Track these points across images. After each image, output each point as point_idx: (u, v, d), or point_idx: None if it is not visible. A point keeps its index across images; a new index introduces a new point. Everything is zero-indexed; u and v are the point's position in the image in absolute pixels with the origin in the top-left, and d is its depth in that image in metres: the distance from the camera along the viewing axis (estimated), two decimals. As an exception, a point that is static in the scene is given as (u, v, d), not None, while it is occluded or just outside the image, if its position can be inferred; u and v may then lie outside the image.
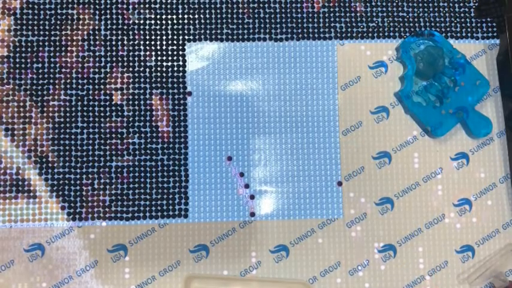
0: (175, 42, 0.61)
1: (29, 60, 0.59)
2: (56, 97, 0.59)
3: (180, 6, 0.61)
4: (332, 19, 0.62)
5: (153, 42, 0.60)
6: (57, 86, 0.59)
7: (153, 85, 0.60)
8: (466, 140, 0.61)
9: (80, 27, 0.60)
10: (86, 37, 0.60)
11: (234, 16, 0.61)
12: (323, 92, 0.61)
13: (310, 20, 0.62)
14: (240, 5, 0.62)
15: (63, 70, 0.59)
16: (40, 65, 0.59)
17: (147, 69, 0.60)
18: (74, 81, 0.59)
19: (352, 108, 0.61)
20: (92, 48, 0.60)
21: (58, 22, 0.60)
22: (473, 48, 0.63)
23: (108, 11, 0.60)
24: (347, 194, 0.60)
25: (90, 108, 0.59)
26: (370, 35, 0.62)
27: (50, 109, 0.59)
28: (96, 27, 0.60)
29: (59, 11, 0.60)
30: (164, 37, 0.61)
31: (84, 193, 0.58)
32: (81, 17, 0.60)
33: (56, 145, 0.58)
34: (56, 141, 0.58)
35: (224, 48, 0.61)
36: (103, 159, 0.58)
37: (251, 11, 0.62)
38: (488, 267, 0.59)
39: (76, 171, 0.58)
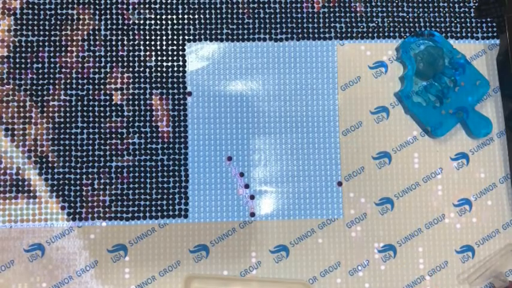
0: (175, 42, 0.61)
1: (29, 60, 0.59)
2: (56, 97, 0.59)
3: (180, 6, 0.61)
4: (332, 19, 0.62)
5: (153, 42, 0.60)
6: (57, 86, 0.59)
7: (153, 85, 0.60)
8: (466, 140, 0.61)
9: (80, 27, 0.60)
10: (86, 37, 0.60)
11: (234, 16, 0.61)
12: (323, 92, 0.61)
13: (310, 20, 0.62)
14: (240, 5, 0.62)
15: (63, 70, 0.59)
16: (40, 65, 0.59)
17: (147, 69, 0.60)
18: (74, 81, 0.59)
19: (352, 108, 0.61)
20: (92, 48, 0.60)
21: (58, 22, 0.60)
22: (473, 48, 0.63)
23: (108, 11, 0.60)
24: (347, 194, 0.60)
25: (90, 108, 0.59)
26: (370, 35, 0.62)
27: (50, 109, 0.59)
28: (96, 27, 0.60)
29: (59, 11, 0.60)
30: (164, 37, 0.61)
31: (84, 193, 0.58)
32: (81, 17, 0.60)
33: (56, 145, 0.58)
34: (56, 141, 0.58)
35: (224, 48, 0.61)
36: (103, 159, 0.58)
37: (251, 11, 0.62)
38: (488, 267, 0.59)
39: (76, 171, 0.58)
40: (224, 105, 0.60)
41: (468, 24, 0.63)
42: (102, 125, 0.59)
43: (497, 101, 0.62)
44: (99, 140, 0.59)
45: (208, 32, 0.61)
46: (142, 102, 0.59)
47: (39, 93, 0.59)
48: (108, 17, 0.60)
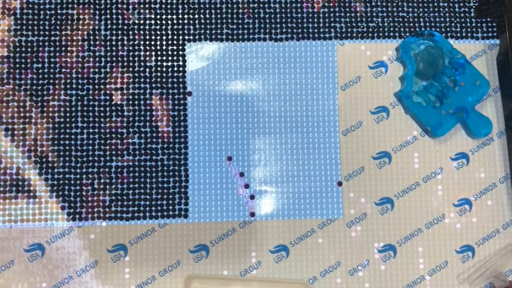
0: (175, 42, 0.61)
1: (29, 60, 0.59)
2: (56, 97, 0.59)
3: (180, 6, 0.61)
4: (332, 19, 0.62)
5: (153, 42, 0.60)
6: (57, 86, 0.59)
7: (153, 85, 0.60)
8: (466, 140, 0.61)
9: (80, 27, 0.60)
10: (86, 37, 0.60)
11: (234, 16, 0.61)
12: (323, 92, 0.61)
13: (310, 20, 0.62)
14: (240, 5, 0.62)
15: (63, 70, 0.59)
16: (40, 65, 0.59)
17: (147, 69, 0.60)
18: (74, 81, 0.59)
19: (352, 108, 0.61)
20: (92, 48, 0.60)
21: (58, 22, 0.60)
22: (473, 48, 0.63)
23: (108, 11, 0.60)
24: (347, 194, 0.60)
25: (90, 108, 0.59)
26: (370, 35, 0.62)
27: (50, 109, 0.59)
28: (96, 27, 0.60)
29: (59, 11, 0.60)
30: (164, 37, 0.61)
31: (84, 193, 0.58)
32: (81, 17, 0.60)
33: (56, 145, 0.58)
34: (56, 141, 0.58)
35: (224, 48, 0.61)
36: (103, 159, 0.58)
37: (251, 11, 0.62)
38: (488, 267, 0.59)
39: (76, 171, 0.58)
40: (224, 105, 0.60)
41: (468, 24, 0.63)
42: (102, 125, 0.59)
43: (497, 101, 0.62)
44: (99, 140, 0.59)
45: (208, 32, 0.61)
46: (142, 102, 0.59)
47: (39, 93, 0.59)
48: (108, 17, 0.60)
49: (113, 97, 0.59)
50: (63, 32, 0.60)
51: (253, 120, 0.60)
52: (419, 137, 0.61)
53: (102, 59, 0.60)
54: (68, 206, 0.58)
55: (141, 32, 0.60)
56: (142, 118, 0.59)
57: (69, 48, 0.60)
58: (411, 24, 0.63)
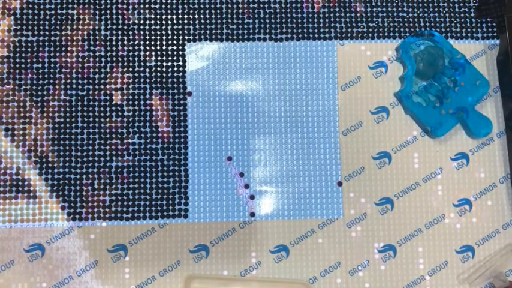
0: (175, 42, 0.61)
1: (29, 60, 0.59)
2: (56, 97, 0.59)
3: (180, 6, 0.61)
4: (332, 19, 0.62)
5: (153, 42, 0.60)
6: (57, 86, 0.59)
7: (153, 85, 0.60)
8: (466, 140, 0.61)
9: (80, 27, 0.60)
10: (86, 37, 0.60)
11: (234, 16, 0.61)
12: (323, 92, 0.61)
13: (310, 20, 0.62)
14: (240, 5, 0.62)
15: (63, 70, 0.59)
16: (40, 65, 0.59)
17: (147, 69, 0.60)
18: (74, 81, 0.59)
19: (352, 108, 0.61)
20: (92, 48, 0.60)
21: (58, 22, 0.60)
22: (473, 48, 0.63)
23: (108, 11, 0.60)
24: (347, 194, 0.60)
25: (90, 108, 0.59)
26: (370, 35, 0.62)
27: (50, 109, 0.59)
28: (96, 27, 0.60)
29: (59, 11, 0.60)
30: (164, 37, 0.61)
31: (84, 193, 0.58)
32: (81, 17, 0.60)
33: (56, 145, 0.58)
34: (56, 141, 0.58)
35: (224, 48, 0.61)
36: (103, 159, 0.58)
37: (251, 11, 0.62)
38: (488, 267, 0.59)
39: (76, 171, 0.58)
40: (224, 105, 0.60)
41: (468, 24, 0.63)
42: (102, 125, 0.59)
43: (497, 101, 0.62)
44: (99, 140, 0.59)
45: (208, 32, 0.61)
46: (142, 102, 0.59)
47: (39, 93, 0.59)
48: (108, 17, 0.60)
49: (113, 97, 0.59)
50: (63, 32, 0.60)
51: (253, 120, 0.60)
52: (419, 137, 0.61)
53: (102, 59, 0.60)
54: (68, 206, 0.58)
55: (141, 32, 0.60)
56: (142, 118, 0.59)
57: (69, 48, 0.60)
58: (411, 24, 0.63)
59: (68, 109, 0.59)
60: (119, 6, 0.61)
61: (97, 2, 0.60)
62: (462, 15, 0.63)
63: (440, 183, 0.60)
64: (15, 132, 0.58)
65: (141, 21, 0.61)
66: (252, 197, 0.59)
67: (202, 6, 0.61)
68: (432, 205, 0.60)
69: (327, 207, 0.59)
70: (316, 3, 0.62)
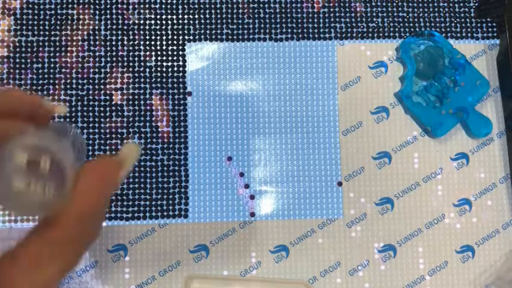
0: (175, 42, 0.61)
1: (29, 60, 0.59)
2: (56, 97, 0.59)
3: (180, 6, 0.61)
4: (332, 19, 0.62)
5: (153, 42, 0.60)
6: (57, 86, 0.59)
7: (153, 85, 0.60)
8: (466, 140, 0.61)
9: (80, 27, 0.60)
10: (86, 37, 0.60)
11: (234, 16, 0.61)
12: (323, 92, 0.61)
13: (310, 20, 0.62)
14: (240, 5, 0.62)
15: (63, 70, 0.59)
16: (40, 65, 0.59)
17: (147, 69, 0.60)
18: (74, 81, 0.59)
19: (352, 108, 0.61)
20: (92, 48, 0.60)
21: (58, 22, 0.60)
22: (473, 48, 0.63)
23: (108, 11, 0.60)
24: (347, 194, 0.60)
25: (90, 108, 0.59)
26: (370, 35, 0.62)
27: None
28: (96, 27, 0.60)
29: (59, 11, 0.60)
30: (164, 37, 0.61)
31: (84, 193, 0.58)
32: (81, 17, 0.60)
33: (56, 145, 0.58)
34: (56, 141, 0.58)
35: (224, 48, 0.61)
36: (103, 159, 0.58)
37: (251, 11, 0.62)
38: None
39: (76, 171, 0.58)
40: (224, 105, 0.60)
41: (468, 24, 0.63)
42: (102, 125, 0.59)
43: (497, 101, 0.62)
44: (99, 140, 0.59)
45: (208, 32, 0.61)
46: (142, 102, 0.59)
47: (39, 93, 0.59)
48: (108, 17, 0.60)
49: (113, 97, 0.59)
50: (63, 32, 0.60)
51: (253, 120, 0.60)
52: (419, 137, 0.61)
53: (102, 59, 0.60)
54: (68, 206, 0.57)
55: (141, 32, 0.60)
56: (142, 118, 0.59)
57: (69, 48, 0.60)
58: (411, 24, 0.63)
59: (68, 109, 0.59)
60: (119, 6, 0.61)
61: (97, 2, 0.60)
62: (462, 15, 0.63)
63: (440, 183, 0.60)
64: (15, 132, 0.58)
65: (141, 21, 0.61)
66: (252, 197, 0.59)
67: (202, 6, 0.61)
68: (432, 205, 0.60)
69: (327, 207, 0.59)
70: (316, 3, 0.62)
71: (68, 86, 0.59)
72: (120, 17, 0.60)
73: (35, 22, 0.60)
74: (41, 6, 0.60)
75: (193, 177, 0.59)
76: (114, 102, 0.59)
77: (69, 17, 0.60)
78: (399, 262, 0.59)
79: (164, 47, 0.60)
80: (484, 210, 0.60)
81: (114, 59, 0.60)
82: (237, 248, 0.58)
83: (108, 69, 0.60)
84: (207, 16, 0.61)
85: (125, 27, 0.60)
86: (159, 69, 0.60)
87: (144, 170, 0.58)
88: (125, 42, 0.60)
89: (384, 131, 0.61)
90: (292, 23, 0.62)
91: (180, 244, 0.58)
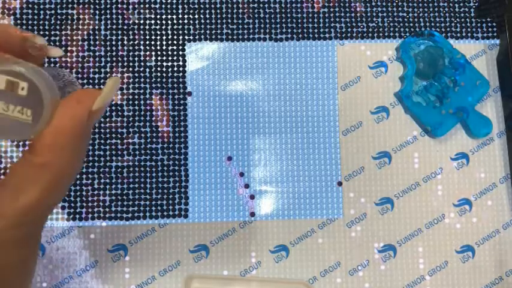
0: (175, 42, 0.61)
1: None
2: (56, 97, 0.59)
3: (180, 6, 0.61)
4: (332, 19, 0.62)
5: (153, 42, 0.60)
6: (57, 86, 0.59)
7: (153, 85, 0.60)
8: (466, 140, 0.61)
9: (80, 27, 0.60)
10: (86, 37, 0.60)
11: (234, 16, 0.61)
12: (323, 92, 0.61)
13: (310, 20, 0.62)
14: (240, 5, 0.62)
15: (63, 70, 0.59)
16: (40, 65, 0.59)
17: (147, 69, 0.60)
18: (74, 81, 0.59)
19: (352, 108, 0.61)
20: (92, 48, 0.60)
21: (58, 22, 0.60)
22: (473, 48, 0.63)
23: (108, 11, 0.60)
24: (347, 194, 0.60)
25: (90, 108, 0.59)
26: (370, 35, 0.62)
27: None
28: (96, 27, 0.60)
29: (59, 11, 0.60)
30: (164, 37, 0.61)
31: (84, 193, 0.58)
32: (81, 16, 0.60)
33: (56, 145, 0.58)
34: (56, 141, 0.58)
35: (224, 48, 0.61)
36: (103, 159, 0.58)
37: (251, 11, 0.62)
38: None
39: (76, 171, 0.58)
40: (224, 105, 0.60)
41: (468, 24, 0.63)
42: (102, 125, 0.59)
43: (497, 101, 0.62)
44: (99, 140, 0.59)
45: (208, 32, 0.61)
46: (142, 102, 0.59)
47: (39, 93, 0.58)
48: (108, 17, 0.60)
49: (113, 97, 0.59)
50: (63, 32, 0.60)
51: (253, 120, 0.60)
52: (419, 137, 0.61)
53: (102, 59, 0.60)
54: (68, 206, 0.58)
55: (141, 32, 0.60)
56: (142, 118, 0.59)
57: (69, 48, 0.60)
58: (411, 24, 0.63)
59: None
60: (119, 6, 0.61)
61: (97, 2, 0.60)
62: (462, 15, 0.63)
63: (440, 183, 0.60)
64: (15, 132, 0.58)
65: (141, 21, 0.61)
66: (252, 197, 0.59)
67: (202, 6, 0.61)
68: (432, 205, 0.60)
69: (327, 207, 0.59)
70: (316, 3, 0.62)
71: (68, 86, 0.59)
72: (120, 17, 0.60)
73: (35, 22, 0.60)
74: (41, 6, 0.60)
75: (193, 177, 0.59)
76: (114, 102, 0.59)
77: (69, 17, 0.60)
78: (399, 262, 0.59)
79: (164, 47, 0.60)
80: (484, 210, 0.60)
81: (114, 59, 0.60)
82: (237, 248, 0.58)
83: (108, 69, 0.60)
84: (207, 16, 0.61)
85: (125, 27, 0.60)
86: (159, 69, 0.60)
87: (144, 170, 0.58)
88: (125, 42, 0.60)
89: (383, 131, 0.61)
90: (292, 23, 0.62)
91: (180, 244, 0.58)
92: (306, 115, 0.60)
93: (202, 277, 0.57)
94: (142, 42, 0.60)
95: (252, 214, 0.59)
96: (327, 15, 0.62)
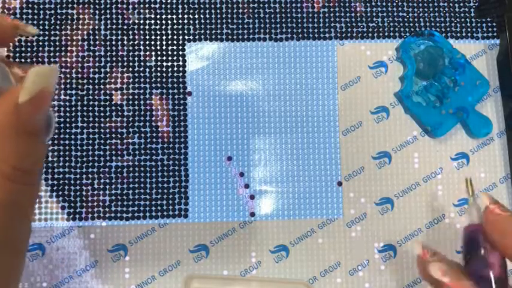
0: (175, 42, 0.61)
1: (28, 60, 0.59)
2: (56, 97, 0.59)
3: (180, 6, 0.61)
4: (332, 19, 0.62)
5: (153, 42, 0.60)
6: (57, 86, 0.59)
7: (153, 85, 0.60)
8: (466, 140, 0.61)
9: (80, 27, 0.60)
10: (86, 37, 0.60)
11: (234, 16, 0.61)
12: (323, 92, 0.61)
13: (310, 20, 0.62)
14: (240, 5, 0.62)
15: (63, 70, 0.59)
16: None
17: (147, 69, 0.60)
18: (74, 81, 0.59)
19: (352, 108, 0.61)
20: (92, 48, 0.60)
21: (58, 22, 0.60)
22: (473, 48, 0.63)
23: (108, 11, 0.60)
24: (347, 194, 0.60)
25: (90, 108, 0.59)
26: (370, 35, 0.62)
27: (50, 109, 0.58)
28: (96, 27, 0.60)
29: (58, 11, 0.60)
30: (164, 37, 0.61)
31: (84, 193, 0.58)
32: (81, 16, 0.60)
33: (56, 145, 0.58)
34: (56, 141, 0.58)
35: (224, 48, 0.61)
36: (103, 159, 0.58)
37: (251, 11, 0.62)
38: None
39: (76, 171, 0.58)
40: (224, 105, 0.60)
41: (468, 24, 0.63)
42: (102, 125, 0.59)
43: (497, 101, 0.62)
44: (99, 140, 0.59)
45: (208, 32, 0.61)
46: (142, 102, 0.59)
47: (39, 93, 0.58)
48: (108, 17, 0.60)
49: (113, 97, 0.59)
50: (63, 32, 0.60)
51: (253, 120, 0.60)
52: (419, 137, 0.61)
53: (102, 59, 0.60)
54: (68, 206, 0.58)
55: (141, 32, 0.60)
56: (142, 118, 0.59)
57: (69, 48, 0.60)
58: (411, 24, 0.63)
59: (68, 109, 0.59)
60: (119, 6, 0.61)
61: (97, 1, 0.60)
62: (462, 15, 0.63)
63: (440, 183, 0.60)
64: (15, 132, 0.58)
65: (141, 21, 0.61)
66: (252, 197, 0.59)
67: (202, 6, 0.61)
68: (432, 205, 0.60)
69: (326, 207, 0.59)
70: (316, 3, 0.62)
71: (68, 86, 0.59)
72: (120, 17, 0.60)
73: (35, 22, 0.60)
74: (41, 6, 0.60)
75: (193, 177, 0.59)
76: (114, 102, 0.59)
77: (69, 17, 0.60)
78: (399, 262, 0.59)
79: (164, 47, 0.60)
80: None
81: (114, 59, 0.60)
82: (237, 248, 0.58)
83: (108, 69, 0.60)
84: (207, 16, 0.61)
85: (125, 27, 0.60)
86: (159, 69, 0.60)
87: (144, 170, 0.58)
88: (125, 42, 0.60)
89: (383, 131, 0.61)
90: (292, 23, 0.62)
91: (180, 244, 0.58)
92: (306, 115, 0.60)
93: (202, 277, 0.57)
94: (142, 42, 0.60)
95: (252, 214, 0.59)
96: (327, 15, 0.62)
